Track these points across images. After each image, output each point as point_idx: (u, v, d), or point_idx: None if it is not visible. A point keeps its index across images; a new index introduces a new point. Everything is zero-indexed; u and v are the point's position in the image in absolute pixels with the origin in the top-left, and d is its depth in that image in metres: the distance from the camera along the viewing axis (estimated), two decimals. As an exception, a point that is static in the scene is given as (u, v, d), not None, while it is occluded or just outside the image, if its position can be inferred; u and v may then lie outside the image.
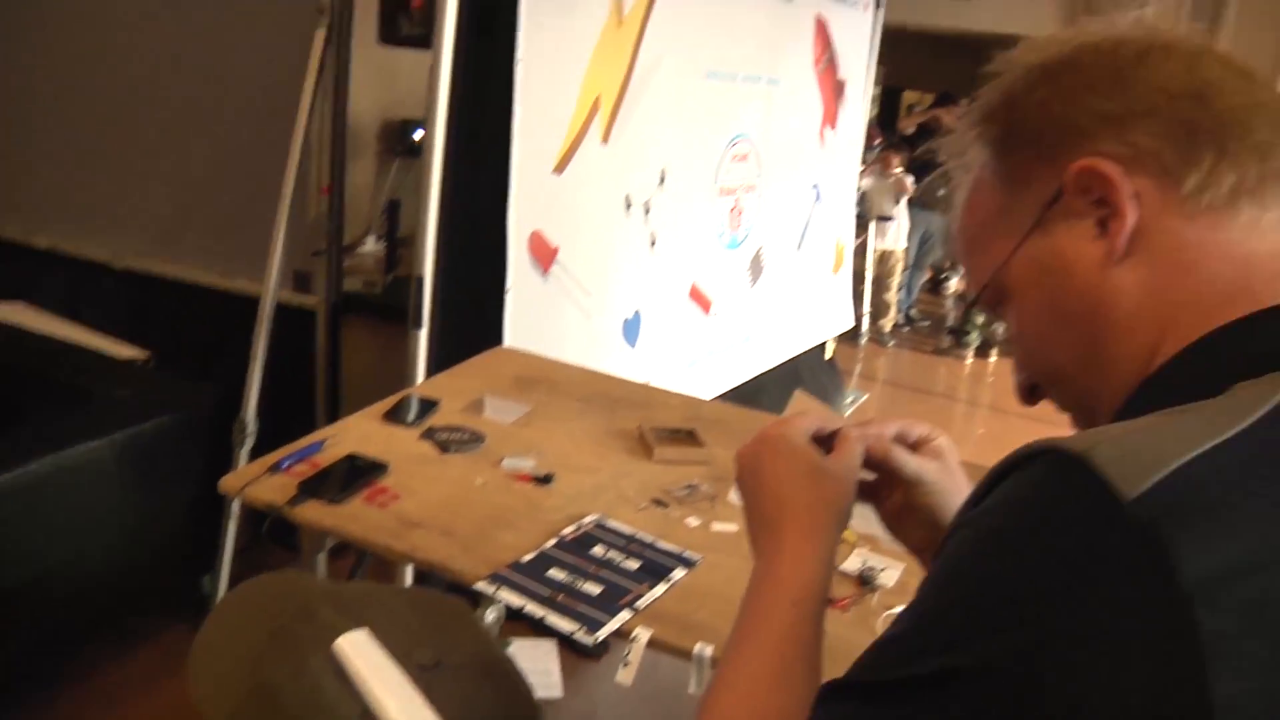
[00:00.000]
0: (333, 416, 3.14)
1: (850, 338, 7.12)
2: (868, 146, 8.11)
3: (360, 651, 0.71)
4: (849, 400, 6.15)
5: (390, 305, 3.30)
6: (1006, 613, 0.54)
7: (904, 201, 7.60)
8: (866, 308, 7.68)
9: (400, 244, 4.36)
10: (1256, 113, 0.69)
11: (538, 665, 2.95)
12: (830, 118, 5.06)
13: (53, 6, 3.78)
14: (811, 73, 4.76)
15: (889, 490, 0.94)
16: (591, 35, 3.16)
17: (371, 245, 4.65)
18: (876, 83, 7.54)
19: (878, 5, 5.45)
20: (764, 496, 0.89)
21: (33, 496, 2.56)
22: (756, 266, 4.58)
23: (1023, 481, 0.59)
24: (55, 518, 2.64)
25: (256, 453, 2.96)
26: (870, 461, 0.92)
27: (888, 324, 7.89)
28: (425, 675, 0.72)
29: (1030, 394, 0.82)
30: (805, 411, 0.99)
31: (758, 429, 0.93)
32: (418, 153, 4.86)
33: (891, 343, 7.87)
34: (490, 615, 2.54)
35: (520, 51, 2.87)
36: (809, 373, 5.55)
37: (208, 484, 2.94)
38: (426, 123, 2.77)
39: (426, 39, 2.75)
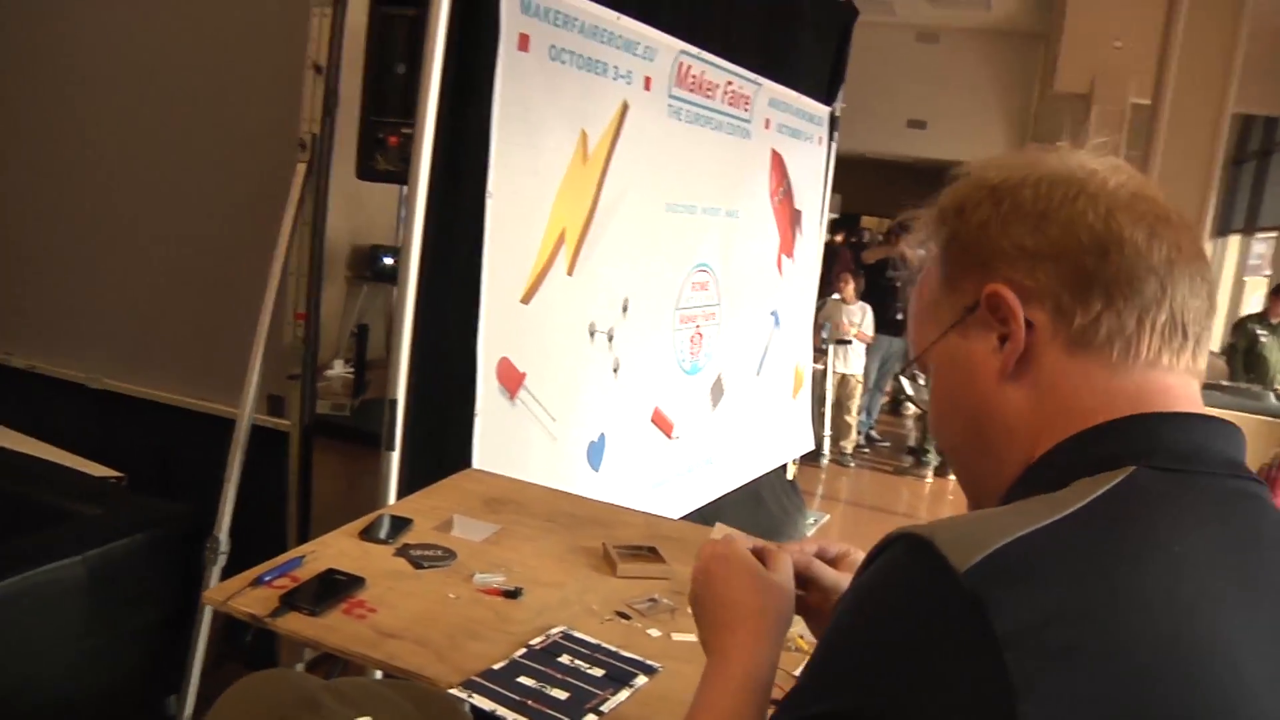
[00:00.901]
0: (303, 536, 3.21)
1: (812, 459, 7.26)
2: (843, 269, 8.40)
3: (367, 738, 0.80)
4: (810, 521, 6.24)
5: (358, 428, 3.39)
6: (871, 666, 0.69)
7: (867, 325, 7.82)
8: (828, 430, 7.83)
9: (367, 367, 4.47)
10: (1149, 274, 0.80)
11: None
12: (787, 247, 5.27)
13: (37, 130, 3.93)
14: (769, 204, 4.98)
15: (810, 596, 1.11)
16: (558, 172, 3.33)
17: (339, 369, 4.76)
18: (833, 210, 7.84)
19: (831, 138, 5.73)
20: (716, 604, 1.04)
21: (2, 613, 2.60)
22: (717, 391, 4.72)
23: (887, 559, 0.73)
24: (23, 635, 2.65)
25: (229, 571, 3.02)
26: (795, 573, 1.08)
27: (849, 445, 8.03)
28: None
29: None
30: (730, 537, 1.12)
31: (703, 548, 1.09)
32: (386, 277, 5.04)
33: (853, 463, 8.01)
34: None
35: (490, 187, 3.03)
36: (770, 494, 5.66)
37: (177, 602, 3.01)
38: (401, 252, 2.90)
39: (402, 175, 2.90)
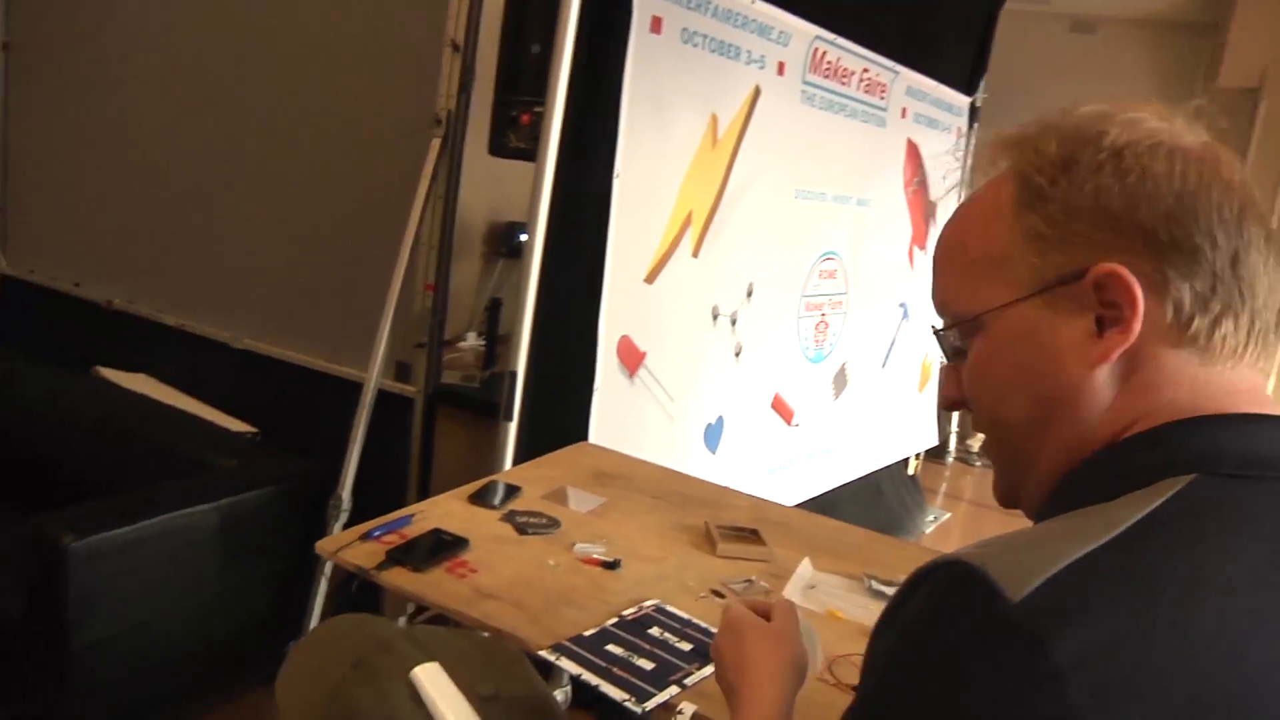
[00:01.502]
0: (423, 498, 3.31)
1: (938, 455, 7.14)
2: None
3: (432, 680, 0.84)
4: (931, 518, 6.16)
5: (485, 400, 3.48)
6: (926, 705, 0.66)
7: None
8: (954, 427, 7.70)
9: (499, 341, 4.56)
10: (1264, 280, 0.77)
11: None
12: (920, 239, 5.19)
13: (191, 108, 4.12)
14: (902, 195, 4.92)
15: None
16: (686, 155, 3.36)
17: (472, 341, 4.87)
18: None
19: (970, 128, 5.61)
20: (730, 668, 1.11)
21: (141, 552, 2.76)
22: (841, 380, 4.69)
23: (933, 591, 0.70)
24: (158, 574, 2.82)
25: (349, 527, 3.15)
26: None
27: (975, 443, 7.87)
28: (485, 705, 0.84)
29: (1010, 500, 0.89)
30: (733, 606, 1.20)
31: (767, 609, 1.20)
32: (520, 254, 5.13)
33: (979, 462, 7.85)
34: (559, 696, 2.65)
35: (618, 168, 3.07)
36: (890, 487, 5.60)
37: (301, 554, 3.14)
38: (528, 228, 2.97)
39: (532, 153, 2.97)
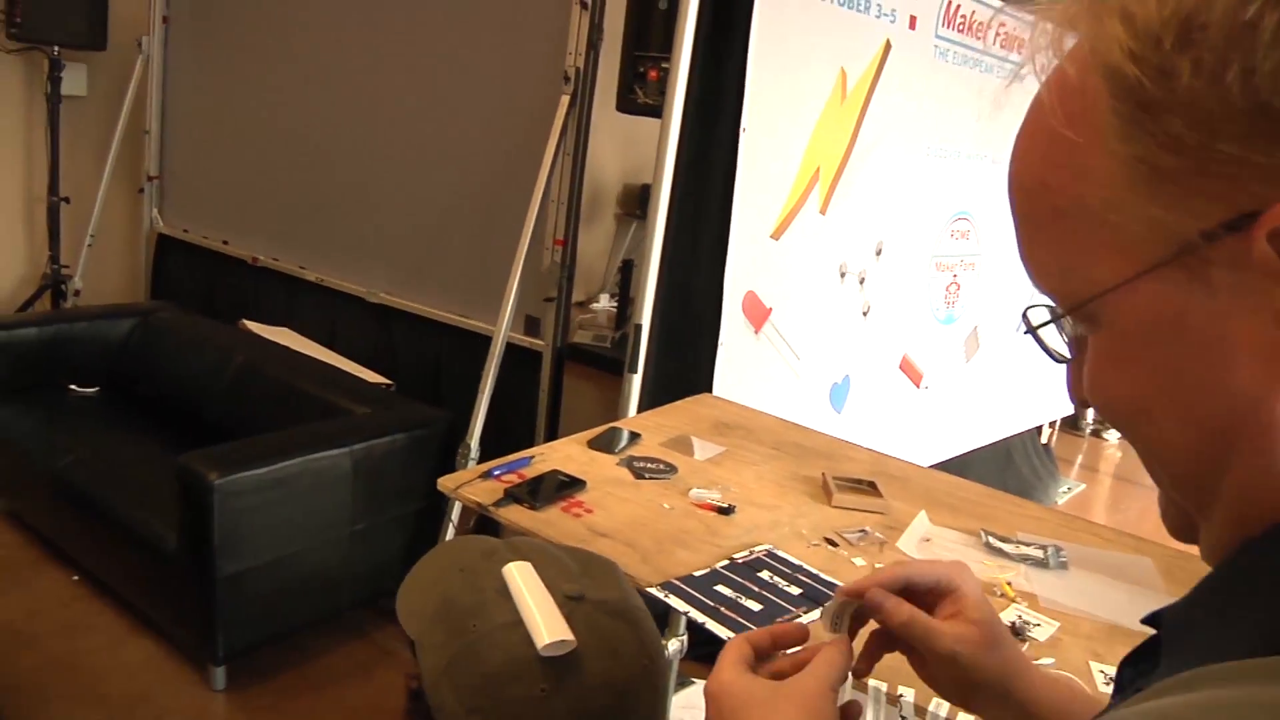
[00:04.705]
0: (548, 450, 3.39)
1: (1074, 426, 6.97)
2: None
3: (521, 575, 0.90)
4: (1064, 489, 6.02)
5: (613, 358, 3.53)
6: None
7: None
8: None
9: (632, 302, 4.61)
10: None
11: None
12: (1059, 200, 5.04)
13: (331, 81, 4.26)
14: (1040, 154, 4.78)
15: (913, 658, 0.82)
16: (814, 110, 3.33)
17: (605, 303, 4.94)
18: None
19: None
20: None
21: (282, 490, 2.91)
22: (972, 343, 4.61)
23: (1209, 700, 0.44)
24: (297, 511, 2.98)
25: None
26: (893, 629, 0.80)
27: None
28: (569, 603, 0.89)
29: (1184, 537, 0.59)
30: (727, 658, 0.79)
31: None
32: (653, 215, 5.17)
33: (1116, 436, 7.62)
34: (672, 645, 2.70)
35: (745, 122, 3.07)
36: (1021, 455, 5.49)
37: (430, 500, 3.25)
38: (653, 184, 3.00)
39: (659, 109, 2.99)
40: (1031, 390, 5.30)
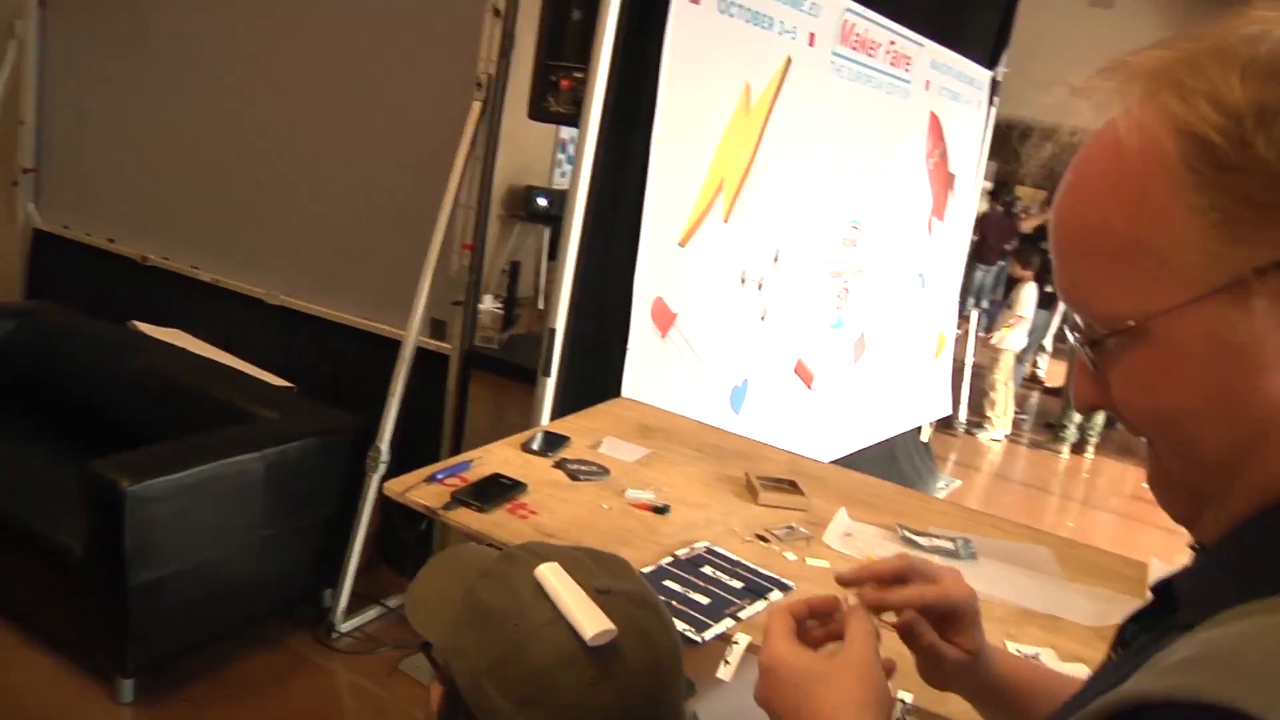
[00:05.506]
0: (455, 452, 3.41)
1: (948, 425, 7.25)
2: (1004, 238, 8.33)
3: (554, 574, 0.95)
4: (941, 485, 6.26)
5: (507, 361, 3.57)
6: None
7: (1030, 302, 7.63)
8: (965, 395, 7.78)
9: (517, 304, 4.64)
10: None
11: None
12: (939, 209, 5.27)
13: (229, 74, 4.19)
14: (924, 166, 4.99)
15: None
16: (721, 122, 3.44)
17: (489, 304, 4.96)
18: (987, 178, 7.75)
19: (991, 102, 5.68)
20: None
21: (194, 495, 2.87)
22: (860, 347, 4.78)
23: None
24: (209, 517, 2.94)
25: (387, 479, 3.25)
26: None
27: (996, 419, 7.85)
28: (601, 597, 0.95)
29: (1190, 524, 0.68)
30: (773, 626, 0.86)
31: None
32: (539, 217, 5.22)
33: (989, 436, 7.93)
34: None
35: (656, 133, 3.15)
36: (904, 453, 5.70)
37: (340, 505, 3.25)
38: (569, 190, 3.06)
39: (573, 118, 3.05)
40: (912, 392, 5.52)
